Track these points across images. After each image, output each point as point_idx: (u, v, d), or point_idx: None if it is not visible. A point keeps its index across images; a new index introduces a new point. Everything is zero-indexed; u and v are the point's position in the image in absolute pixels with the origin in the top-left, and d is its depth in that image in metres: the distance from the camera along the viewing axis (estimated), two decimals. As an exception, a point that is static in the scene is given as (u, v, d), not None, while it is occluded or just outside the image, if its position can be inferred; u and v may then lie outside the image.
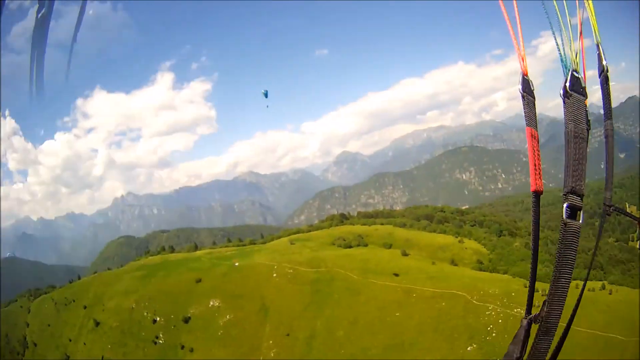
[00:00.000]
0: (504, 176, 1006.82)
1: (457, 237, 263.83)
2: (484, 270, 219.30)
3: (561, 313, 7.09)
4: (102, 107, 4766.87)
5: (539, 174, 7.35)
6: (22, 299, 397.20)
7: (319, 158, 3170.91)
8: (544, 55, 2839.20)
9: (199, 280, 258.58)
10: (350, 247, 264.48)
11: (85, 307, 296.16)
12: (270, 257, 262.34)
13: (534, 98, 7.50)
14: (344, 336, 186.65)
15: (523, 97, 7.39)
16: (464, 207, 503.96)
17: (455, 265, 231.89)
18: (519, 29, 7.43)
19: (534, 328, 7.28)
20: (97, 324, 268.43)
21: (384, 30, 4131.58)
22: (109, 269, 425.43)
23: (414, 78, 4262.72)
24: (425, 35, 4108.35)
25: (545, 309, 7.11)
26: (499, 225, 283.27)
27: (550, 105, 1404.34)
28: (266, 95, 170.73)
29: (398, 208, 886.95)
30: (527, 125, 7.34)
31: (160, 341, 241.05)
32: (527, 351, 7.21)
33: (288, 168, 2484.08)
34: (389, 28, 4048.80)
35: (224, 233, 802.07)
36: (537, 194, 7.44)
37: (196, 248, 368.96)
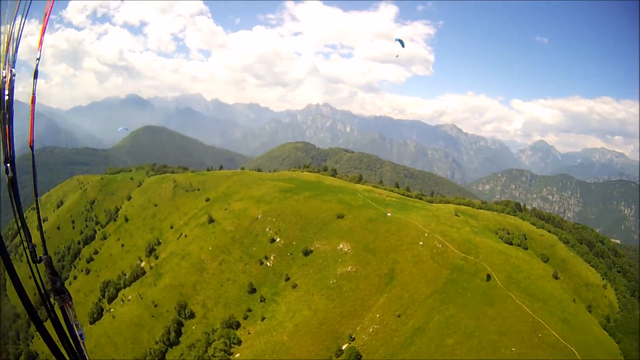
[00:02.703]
0: None
1: (603, 280, 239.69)
2: (606, 330, 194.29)
3: None
4: (315, 16, 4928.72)
5: None
6: (139, 171, 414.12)
7: (519, 137, 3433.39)
8: None
9: (340, 216, 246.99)
10: (511, 243, 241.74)
11: (207, 200, 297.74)
12: (426, 220, 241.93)
13: None
14: (451, 346, 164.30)
15: None
16: (616, 242, 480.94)
17: (590, 311, 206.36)
18: None
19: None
20: (211, 221, 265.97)
21: (603, 40, 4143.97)
22: (259, 169, 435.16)
23: (612, 98, 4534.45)
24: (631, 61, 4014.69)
25: None
26: (636, 284, 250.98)
27: None
28: (402, 44, 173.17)
29: (569, 215, 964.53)
30: None
31: (268, 264, 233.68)
32: None
33: (489, 135, 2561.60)
34: (608, 41, 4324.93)
35: (407, 173, 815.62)
36: None
37: (360, 180, 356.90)
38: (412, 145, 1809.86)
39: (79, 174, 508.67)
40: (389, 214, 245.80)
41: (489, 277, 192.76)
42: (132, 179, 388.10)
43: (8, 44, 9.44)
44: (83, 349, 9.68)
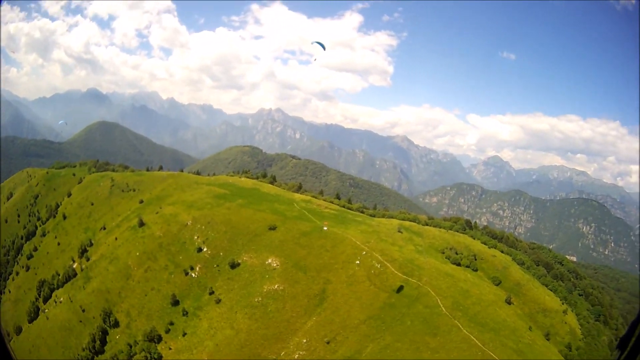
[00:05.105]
0: (612, 245, 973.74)
1: (563, 304, 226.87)
2: (568, 359, 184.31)
3: None
4: (278, 20, 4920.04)
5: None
6: (82, 167, 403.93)
7: (472, 152, 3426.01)
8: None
9: (273, 228, 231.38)
10: (459, 264, 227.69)
11: (141, 202, 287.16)
12: (366, 237, 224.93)
13: None
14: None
15: None
16: (572, 259, 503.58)
17: (548, 339, 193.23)
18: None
19: None
20: (142, 224, 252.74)
21: (572, 59, 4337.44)
22: (198, 172, 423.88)
23: (577, 117, 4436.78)
24: (603, 80, 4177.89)
25: None
26: (600, 308, 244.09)
27: None
28: (323, 47, 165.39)
29: (520, 230, 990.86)
30: None
31: (193, 275, 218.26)
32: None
33: (441, 149, 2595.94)
34: (577, 60, 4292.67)
35: (353, 182, 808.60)
36: None
37: (299, 189, 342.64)
38: (361, 155, 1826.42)
39: (35, 166, 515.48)
40: (325, 228, 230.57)
41: (399, 288, 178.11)
42: (74, 175, 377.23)
43: None
44: None
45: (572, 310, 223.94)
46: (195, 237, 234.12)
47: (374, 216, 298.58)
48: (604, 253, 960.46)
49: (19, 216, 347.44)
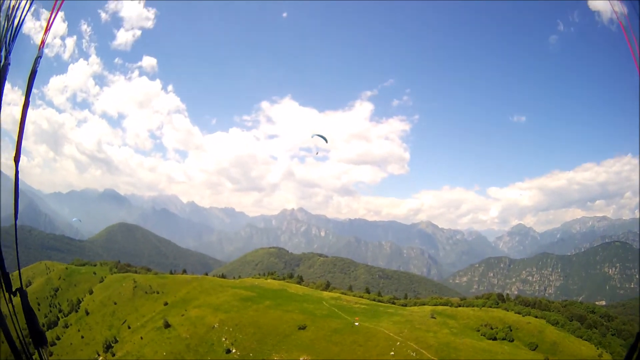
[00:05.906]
0: (638, 277, 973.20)
1: (597, 349, 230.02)
2: None
3: None
4: (290, 117, 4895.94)
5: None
6: (103, 267, 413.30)
7: (496, 225, 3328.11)
8: None
9: (302, 327, 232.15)
10: (495, 339, 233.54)
11: (165, 304, 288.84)
12: (399, 327, 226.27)
13: None
14: None
15: None
16: (601, 303, 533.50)
17: None
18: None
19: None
20: (168, 326, 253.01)
21: (578, 108, 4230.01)
22: (223, 275, 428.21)
23: (592, 163, 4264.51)
24: (610, 120, 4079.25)
25: None
26: (632, 339, 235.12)
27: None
28: (325, 140, 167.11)
29: (550, 291, 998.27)
30: None
31: None
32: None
33: (465, 227, 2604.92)
34: (584, 108, 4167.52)
35: (382, 274, 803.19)
36: None
37: (327, 286, 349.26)
38: (388, 246, 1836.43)
39: (55, 259, 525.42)
40: (357, 324, 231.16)
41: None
42: (94, 273, 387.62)
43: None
44: None
45: (607, 352, 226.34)
46: (223, 339, 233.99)
47: (406, 305, 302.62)
48: (631, 287, 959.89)
49: (39, 305, 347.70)
